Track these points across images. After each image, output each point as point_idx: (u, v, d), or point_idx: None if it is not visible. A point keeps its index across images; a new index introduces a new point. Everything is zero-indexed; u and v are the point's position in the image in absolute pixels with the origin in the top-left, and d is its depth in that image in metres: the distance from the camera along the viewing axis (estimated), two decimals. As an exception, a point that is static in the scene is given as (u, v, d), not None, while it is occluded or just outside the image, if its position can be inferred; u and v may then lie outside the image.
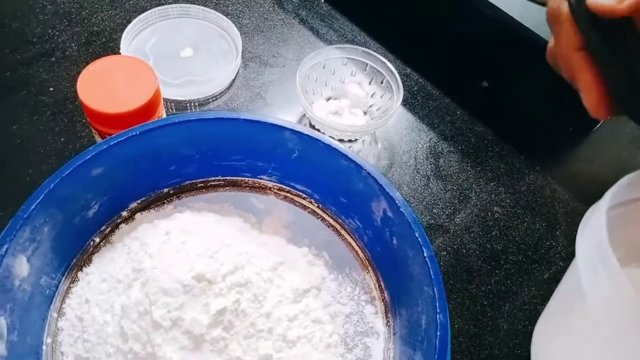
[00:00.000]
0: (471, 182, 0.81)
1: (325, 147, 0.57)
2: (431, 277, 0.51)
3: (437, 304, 0.50)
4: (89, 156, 0.53)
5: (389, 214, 0.56)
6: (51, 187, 0.51)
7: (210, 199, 0.64)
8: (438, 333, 0.48)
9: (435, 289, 0.50)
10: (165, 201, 0.63)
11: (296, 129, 0.57)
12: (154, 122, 0.56)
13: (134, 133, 0.55)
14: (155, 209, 0.62)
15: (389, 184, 0.55)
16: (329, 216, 0.64)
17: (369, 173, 0.56)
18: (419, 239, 0.52)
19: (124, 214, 0.61)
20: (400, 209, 0.54)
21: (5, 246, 0.48)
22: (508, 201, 0.79)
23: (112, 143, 0.54)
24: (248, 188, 0.65)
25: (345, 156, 0.57)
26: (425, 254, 0.52)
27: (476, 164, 0.82)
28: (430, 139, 0.83)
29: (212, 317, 0.50)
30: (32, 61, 0.80)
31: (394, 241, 0.56)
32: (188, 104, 0.79)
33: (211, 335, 0.50)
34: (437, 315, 0.49)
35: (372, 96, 0.81)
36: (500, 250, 0.74)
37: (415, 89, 0.87)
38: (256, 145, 0.60)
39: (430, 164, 0.80)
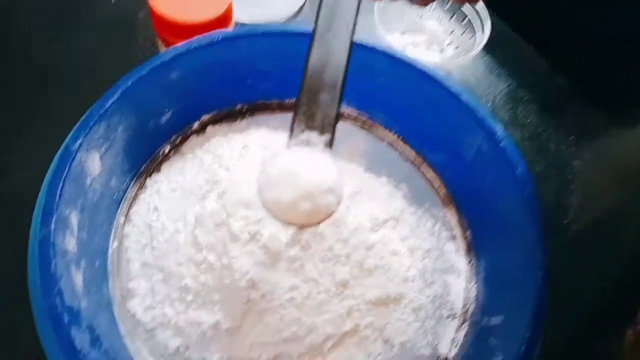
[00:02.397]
0: (550, 133, 0.75)
1: (419, 73, 0.53)
2: (533, 217, 0.47)
3: (540, 244, 0.45)
4: (169, 57, 0.50)
5: (486, 148, 0.51)
6: (128, 85, 0.48)
7: (285, 120, 0.60)
8: (540, 274, 0.44)
9: (536, 230, 0.46)
10: (237, 117, 0.59)
11: (388, 52, 0.53)
12: (237, 30, 0.52)
13: (216, 38, 0.51)
14: (228, 123, 0.59)
15: (490, 116, 0.51)
16: (410, 149, 0.59)
17: (467, 104, 0.51)
18: (521, 177, 0.48)
19: (195, 125, 0.57)
20: (502, 144, 0.49)
21: (79, 140, 0.45)
22: (588, 156, 0.74)
23: (193, 46, 0.51)
24: (325, 113, 0.61)
25: (441, 84, 0.52)
26: (527, 192, 0.47)
27: (556, 115, 0.77)
28: (509, 85, 0.78)
29: (290, 234, 0.47)
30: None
31: (487, 178, 0.52)
32: (257, 27, 0.74)
33: (288, 254, 0.47)
34: (537, 256, 0.45)
35: (450, 34, 0.76)
36: (577, 206, 0.69)
37: (496, 32, 0.81)
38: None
39: (507, 111, 0.75)
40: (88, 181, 0.47)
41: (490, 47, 0.78)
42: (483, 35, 0.71)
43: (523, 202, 0.47)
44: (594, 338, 0.58)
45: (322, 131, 0.41)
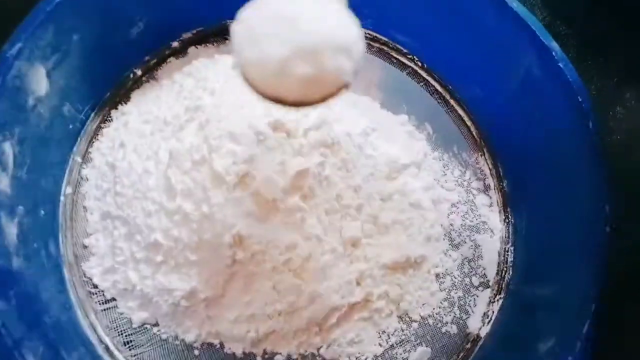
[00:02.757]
0: (591, 74, 0.64)
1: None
2: (598, 156, 0.37)
3: (606, 191, 0.36)
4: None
5: (537, 72, 0.41)
6: (85, -23, 0.37)
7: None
8: (608, 229, 0.35)
9: (602, 172, 0.36)
10: (226, 36, 0.48)
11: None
12: None
13: None
14: (215, 43, 0.48)
15: (544, 30, 0.40)
16: (435, 80, 0.49)
17: (516, 12, 0.40)
18: (583, 106, 0.38)
19: (175, 44, 0.47)
20: (559, 64, 0.39)
21: (19, 44, 0.35)
22: (633, 102, 0.63)
23: None
24: (333, 34, 0.50)
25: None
26: (590, 125, 0.37)
27: (597, 54, 0.65)
28: (544, 19, 0.66)
29: (289, 178, 0.37)
30: None
31: (535, 111, 0.42)
32: None
33: (286, 204, 0.38)
34: (606, 206, 0.35)
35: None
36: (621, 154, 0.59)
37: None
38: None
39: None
40: (30, 102, 0.37)
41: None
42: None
43: (585, 139, 0.37)
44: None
45: None
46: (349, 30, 0.27)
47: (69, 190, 0.41)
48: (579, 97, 0.38)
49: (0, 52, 0.35)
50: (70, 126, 0.41)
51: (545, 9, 0.66)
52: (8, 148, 0.34)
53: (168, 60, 0.47)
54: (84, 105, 0.42)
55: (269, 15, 0.26)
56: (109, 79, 0.44)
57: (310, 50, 0.25)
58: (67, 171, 0.41)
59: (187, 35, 0.47)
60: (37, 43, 0.36)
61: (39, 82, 0.37)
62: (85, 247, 0.40)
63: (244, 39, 0.26)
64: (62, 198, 0.40)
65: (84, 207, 0.41)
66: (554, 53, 0.39)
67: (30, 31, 0.35)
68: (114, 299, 0.38)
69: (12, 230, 0.34)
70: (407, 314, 0.41)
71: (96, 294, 0.39)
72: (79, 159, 0.42)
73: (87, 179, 0.42)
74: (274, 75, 0.26)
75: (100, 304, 0.39)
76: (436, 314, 0.41)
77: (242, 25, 0.26)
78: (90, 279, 0.39)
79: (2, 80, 0.34)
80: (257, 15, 0.26)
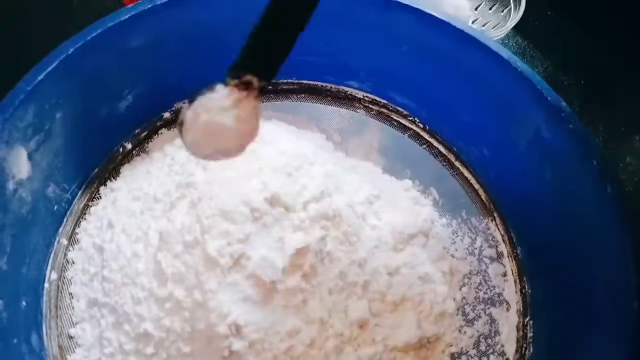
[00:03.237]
0: (597, 123, 0.63)
1: (456, 34, 0.40)
2: (619, 224, 0.34)
3: (629, 262, 0.33)
4: (127, 16, 0.37)
5: (545, 133, 0.39)
6: (69, 53, 0.36)
7: (281, 108, 0.48)
8: (635, 305, 0.32)
9: (626, 240, 0.33)
10: (220, 105, 0.46)
11: (416, 7, 0.40)
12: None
13: (191, -8, 0.39)
14: (208, 113, 0.46)
15: (550, 90, 0.38)
16: (439, 142, 0.47)
17: (520, 72, 0.39)
18: (599, 168, 0.35)
19: (166, 115, 0.45)
20: (570, 125, 0.37)
21: (-4, 127, 0.32)
22: (643, 152, 0.62)
23: (159, 2, 0.38)
24: (330, 98, 0.49)
25: (486, 47, 0.40)
26: (608, 190, 0.35)
27: (602, 103, 0.64)
28: (546, 69, 0.66)
29: (289, 257, 0.34)
30: None
31: (547, 174, 0.39)
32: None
33: (286, 285, 0.35)
34: (632, 279, 0.32)
35: (477, 9, 0.64)
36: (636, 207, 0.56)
37: (529, 6, 0.69)
38: (352, 30, 0.43)
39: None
40: (11, 186, 0.35)
41: (522, 25, 0.65)
42: (518, 10, 0.59)
43: (603, 204, 0.35)
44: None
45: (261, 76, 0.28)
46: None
47: (53, 275, 0.38)
48: (593, 161, 0.36)
49: (-24, 136, 0.33)
50: (55, 207, 0.39)
51: (545, 59, 0.65)
52: (-15, 238, 0.32)
53: (159, 131, 0.45)
54: (70, 184, 0.40)
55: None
56: (97, 155, 0.42)
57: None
58: (51, 255, 0.39)
59: (179, 105, 0.46)
60: (16, 125, 0.34)
61: (20, 165, 0.35)
62: (70, 337, 0.37)
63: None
64: (46, 285, 0.38)
65: (70, 294, 0.38)
66: (563, 114, 0.37)
67: (9, 112, 0.33)
68: (101, 399, 0.35)
69: (-13, 330, 0.31)
70: (422, 400, 0.37)
71: (83, 390, 0.35)
72: (65, 241, 0.40)
73: (74, 263, 0.39)
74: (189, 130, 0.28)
75: (86, 404, 0.35)
76: (454, 399, 0.38)
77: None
78: (76, 374, 0.36)
79: (-21, 167, 0.32)
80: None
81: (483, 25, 0.63)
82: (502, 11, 0.62)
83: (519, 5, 0.59)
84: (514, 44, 0.67)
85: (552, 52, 0.66)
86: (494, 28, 0.61)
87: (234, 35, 0.42)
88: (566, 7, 0.69)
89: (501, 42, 0.64)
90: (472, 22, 0.64)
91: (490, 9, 0.63)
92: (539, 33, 0.67)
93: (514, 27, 0.60)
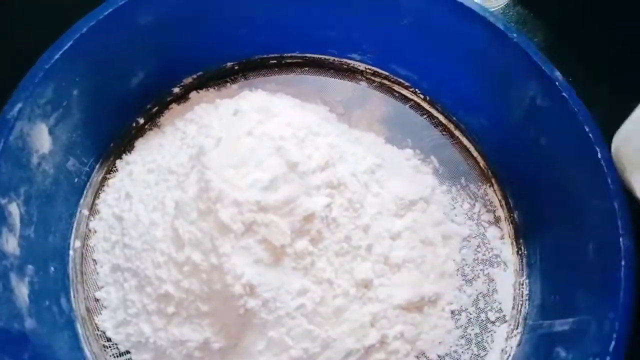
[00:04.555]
0: (599, 98, 0.63)
1: (455, 6, 0.41)
2: (609, 186, 0.36)
3: (618, 222, 0.35)
4: (137, -6, 0.39)
5: (540, 102, 0.40)
6: (83, 32, 0.37)
7: (285, 81, 0.49)
8: (623, 263, 0.34)
9: (615, 203, 0.35)
10: (228, 79, 0.48)
11: (416, -20, 0.42)
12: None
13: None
14: (216, 87, 0.48)
15: (546, 60, 0.40)
16: (439, 112, 0.49)
17: (516, 44, 0.40)
18: (590, 135, 0.37)
19: (176, 90, 0.47)
20: (563, 94, 0.39)
21: (19, 105, 0.35)
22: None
23: (166, -20, 0.40)
24: (333, 70, 0.50)
25: (484, 19, 0.41)
26: (599, 155, 0.37)
27: (604, 77, 0.64)
28: (546, 40, 0.66)
29: (297, 222, 0.37)
30: None
31: (542, 141, 0.41)
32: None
33: (294, 248, 0.37)
34: (621, 239, 0.34)
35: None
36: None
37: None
38: (354, 4, 0.44)
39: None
40: (35, 160, 0.37)
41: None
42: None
43: (595, 169, 0.37)
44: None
45: None
46: None
47: (77, 244, 0.41)
48: (585, 127, 0.38)
49: (1, 113, 0.35)
50: (76, 180, 0.41)
51: (546, 28, 0.65)
52: (14, 209, 0.34)
53: (170, 106, 0.47)
54: (88, 158, 0.42)
55: None
56: (112, 130, 0.44)
57: None
58: (74, 225, 0.41)
59: (187, 81, 0.47)
60: (37, 101, 0.36)
61: (42, 140, 0.37)
62: (96, 300, 0.39)
63: None
64: (71, 252, 0.40)
65: (94, 260, 0.41)
66: (557, 83, 0.39)
67: (29, 90, 0.35)
68: (128, 352, 0.38)
69: (23, 291, 0.33)
70: (424, 353, 0.40)
71: (110, 347, 0.38)
72: (86, 212, 0.42)
73: (95, 232, 0.42)
74: None
75: (114, 357, 0.38)
76: (453, 352, 0.40)
77: None
78: (104, 333, 0.38)
79: (4, 143, 0.33)
80: None
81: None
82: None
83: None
84: (514, 14, 0.67)
85: (553, 21, 0.66)
86: (495, -2, 0.61)
87: (239, 10, 0.44)
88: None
89: (502, 11, 0.64)
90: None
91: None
92: (539, 2, 0.67)
93: None
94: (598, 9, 0.67)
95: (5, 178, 0.34)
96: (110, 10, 0.38)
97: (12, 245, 0.34)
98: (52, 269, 0.38)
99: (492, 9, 0.59)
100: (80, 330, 0.38)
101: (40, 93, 0.36)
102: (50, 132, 0.37)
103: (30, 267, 0.35)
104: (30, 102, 0.35)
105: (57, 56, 0.36)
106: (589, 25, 0.67)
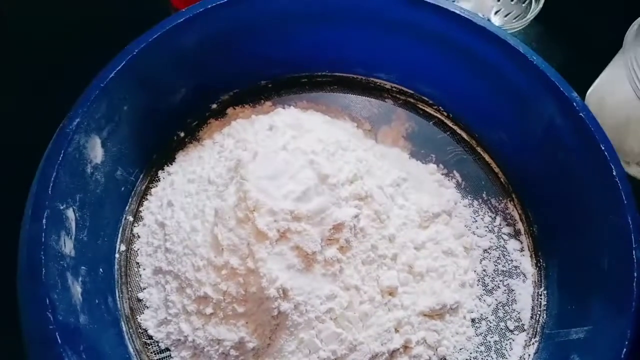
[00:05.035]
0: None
1: (477, 30, 0.44)
2: (623, 202, 0.38)
3: (632, 236, 0.37)
4: (182, 19, 0.42)
5: (559, 121, 0.43)
6: (134, 54, 0.41)
7: (315, 99, 0.52)
8: (635, 274, 0.36)
9: (629, 218, 0.38)
10: (262, 96, 0.51)
11: (441, 5, 0.45)
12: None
13: (237, -4, 0.44)
14: (251, 104, 0.51)
15: (564, 81, 0.42)
16: (461, 129, 0.51)
17: (536, 65, 0.43)
18: (606, 153, 0.39)
19: (214, 106, 0.50)
20: (580, 114, 0.41)
21: (77, 119, 0.38)
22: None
23: (209, 5, 0.43)
24: (360, 89, 0.53)
25: (504, 42, 0.44)
26: (614, 172, 0.39)
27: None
28: (568, 58, 0.68)
29: (327, 231, 0.39)
30: None
31: (559, 158, 0.43)
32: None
33: (324, 256, 0.40)
34: (634, 252, 0.37)
35: (499, 0, 0.67)
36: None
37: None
38: (381, 27, 0.47)
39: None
40: (89, 170, 0.40)
41: (544, 15, 0.68)
42: (538, 2, 0.62)
43: (610, 185, 0.39)
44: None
45: None
46: None
47: (122, 248, 0.44)
48: (601, 145, 0.40)
49: (61, 127, 0.38)
50: (122, 188, 0.44)
51: (566, 48, 0.67)
52: (71, 214, 0.37)
53: (208, 121, 0.50)
54: (133, 168, 0.45)
55: None
56: (156, 142, 0.47)
57: None
58: (120, 230, 0.44)
59: (224, 97, 0.50)
60: (93, 116, 0.39)
61: (96, 151, 0.40)
62: (139, 300, 0.42)
63: None
64: (117, 256, 0.43)
65: (137, 263, 0.44)
66: (574, 103, 0.41)
67: (86, 106, 0.38)
68: (168, 349, 0.40)
69: (77, 289, 0.36)
70: (445, 358, 0.42)
71: (151, 344, 0.41)
72: (131, 218, 0.45)
73: (139, 237, 0.45)
74: None
75: (155, 354, 0.40)
76: (473, 358, 0.42)
77: None
78: (146, 331, 0.41)
79: (64, 153, 0.37)
80: None
81: (505, 16, 0.66)
82: (524, 2, 0.65)
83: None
84: (535, 34, 0.69)
85: (573, 41, 0.68)
86: (516, 19, 0.64)
87: (272, 34, 0.47)
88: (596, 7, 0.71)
89: (523, 31, 0.67)
90: (495, 13, 0.67)
91: (512, 0, 0.66)
92: (560, 23, 0.69)
93: (536, 17, 0.62)
94: (618, 28, 0.69)
95: (63, 186, 0.37)
96: (158, 34, 0.41)
97: (68, 247, 0.37)
98: (101, 270, 0.41)
99: (515, 29, 0.61)
100: (124, 328, 0.41)
101: (95, 109, 0.39)
102: (103, 144, 0.41)
103: (83, 268, 0.38)
104: (87, 116, 0.38)
105: (111, 75, 0.40)
106: (608, 43, 0.68)
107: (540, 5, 0.62)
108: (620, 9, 0.70)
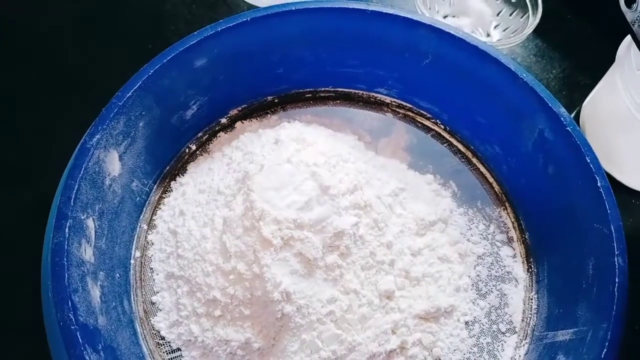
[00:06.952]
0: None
1: (471, 49, 0.47)
2: (607, 212, 0.40)
3: (614, 244, 0.39)
4: (194, 41, 0.45)
5: (548, 135, 0.45)
6: (150, 74, 0.44)
7: (319, 113, 0.55)
8: (617, 280, 0.38)
9: (612, 226, 0.40)
10: (268, 111, 0.54)
11: (436, 26, 0.47)
12: (267, 8, 0.47)
13: (245, 19, 0.47)
14: (258, 118, 0.54)
15: (552, 97, 0.45)
16: (458, 141, 0.53)
17: (526, 83, 0.45)
18: (591, 165, 0.42)
19: (223, 121, 0.53)
20: (567, 129, 0.43)
21: (97, 136, 0.41)
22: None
23: (219, 29, 0.46)
24: (362, 103, 0.56)
25: (496, 61, 0.46)
26: (599, 183, 0.41)
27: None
28: (564, 70, 0.70)
29: (328, 239, 0.42)
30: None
31: (549, 170, 0.46)
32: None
33: (325, 262, 0.42)
34: (615, 259, 0.39)
35: (498, 15, 0.69)
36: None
37: (548, 10, 0.74)
38: (380, 46, 0.50)
39: (563, 97, 0.68)
40: (107, 182, 0.43)
41: (541, 28, 0.71)
42: (535, 15, 0.64)
43: (595, 196, 0.41)
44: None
45: None
46: None
47: (137, 254, 0.47)
48: (587, 158, 0.42)
49: (82, 143, 0.41)
50: (137, 199, 0.47)
51: (564, 60, 0.70)
52: (91, 223, 0.40)
53: (218, 135, 0.53)
54: (148, 179, 0.48)
55: None
56: (169, 155, 0.50)
57: None
58: (135, 238, 0.47)
59: (233, 112, 0.53)
60: (112, 132, 0.42)
61: (114, 164, 0.43)
62: (152, 303, 0.45)
63: None
64: (132, 261, 0.46)
65: (151, 269, 0.46)
66: (562, 118, 0.44)
67: (106, 123, 0.42)
68: (179, 349, 0.43)
69: (96, 293, 0.39)
70: (439, 359, 0.44)
71: (164, 344, 0.43)
72: (145, 226, 0.48)
73: (152, 244, 0.48)
74: None
75: (167, 353, 0.43)
76: (467, 359, 0.44)
77: None
78: (158, 332, 0.44)
79: (85, 167, 0.40)
80: None
81: (504, 30, 0.69)
82: (522, 17, 0.67)
83: (537, 11, 0.64)
84: (533, 47, 0.71)
85: (570, 54, 0.71)
86: (514, 33, 0.66)
87: (278, 53, 0.50)
88: (584, 11, 0.73)
89: (522, 44, 0.69)
90: (494, 27, 0.69)
91: (510, 14, 0.68)
92: (557, 36, 0.71)
93: (534, 31, 0.64)
94: (613, 40, 0.71)
95: (84, 197, 0.40)
96: (172, 55, 0.44)
97: (88, 254, 0.40)
98: (117, 275, 0.44)
99: (514, 43, 0.64)
100: (139, 329, 0.43)
101: (114, 125, 0.42)
102: (120, 158, 0.44)
103: (101, 273, 0.41)
104: (106, 133, 0.42)
105: (128, 94, 0.43)
106: (604, 56, 0.71)
107: (537, 20, 0.64)
108: (616, 22, 0.72)
